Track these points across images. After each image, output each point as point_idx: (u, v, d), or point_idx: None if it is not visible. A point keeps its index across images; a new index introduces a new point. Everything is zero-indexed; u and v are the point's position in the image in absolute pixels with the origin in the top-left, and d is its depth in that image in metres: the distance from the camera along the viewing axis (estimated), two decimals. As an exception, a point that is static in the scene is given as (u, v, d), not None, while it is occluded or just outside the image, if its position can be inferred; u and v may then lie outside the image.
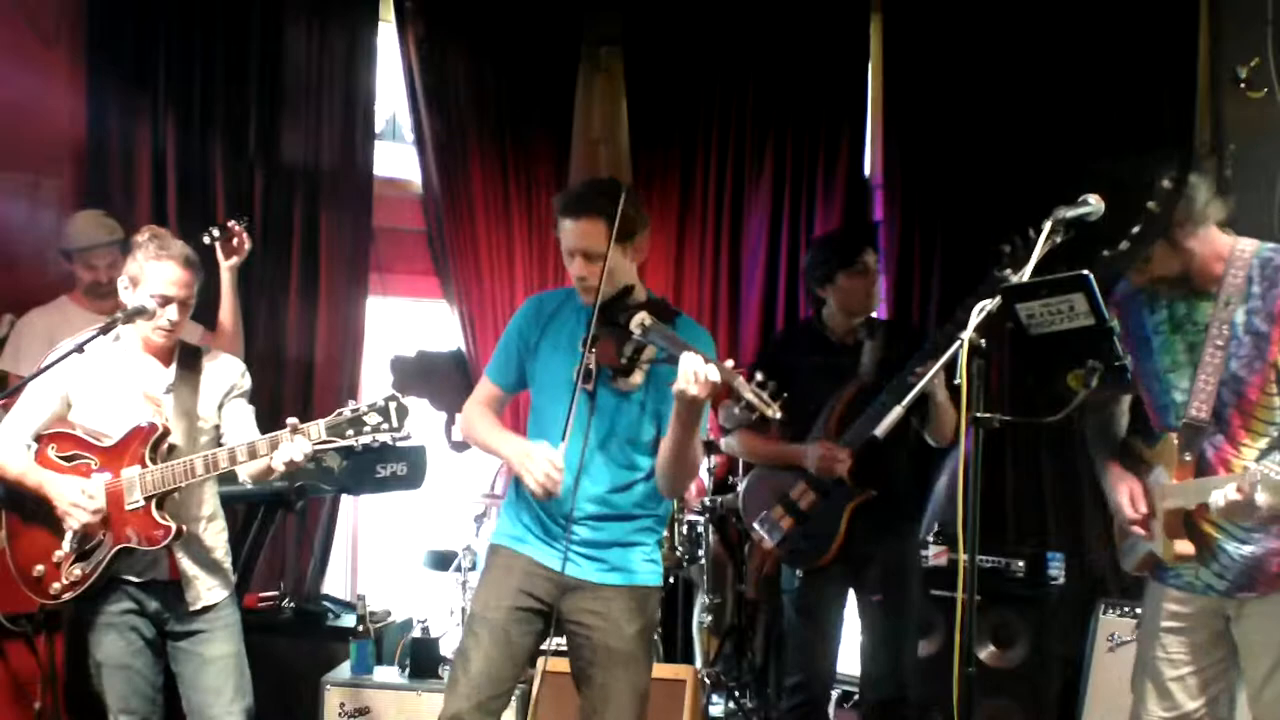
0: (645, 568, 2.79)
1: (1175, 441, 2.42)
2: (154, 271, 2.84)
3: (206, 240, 3.87)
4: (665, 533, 4.08)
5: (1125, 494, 2.54)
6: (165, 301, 2.85)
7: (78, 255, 3.82)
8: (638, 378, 2.67)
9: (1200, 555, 2.41)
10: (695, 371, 2.37)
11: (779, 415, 2.32)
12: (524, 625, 2.73)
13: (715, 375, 2.36)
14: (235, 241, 3.84)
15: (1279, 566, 2.37)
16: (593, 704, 2.73)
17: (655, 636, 4.06)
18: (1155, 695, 2.53)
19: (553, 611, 2.75)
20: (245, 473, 2.88)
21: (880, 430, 2.50)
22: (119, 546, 2.81)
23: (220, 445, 2.92)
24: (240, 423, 3.01)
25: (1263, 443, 2.35)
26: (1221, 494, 2.23)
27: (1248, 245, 2.41)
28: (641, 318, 2.59)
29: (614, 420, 2.71)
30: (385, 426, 2.68)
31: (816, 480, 3.43)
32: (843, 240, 3.74)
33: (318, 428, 2.72)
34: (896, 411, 2.42)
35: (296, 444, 2.70)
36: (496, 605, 2.74)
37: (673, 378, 2.44)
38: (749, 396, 2.31)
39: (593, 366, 2.66)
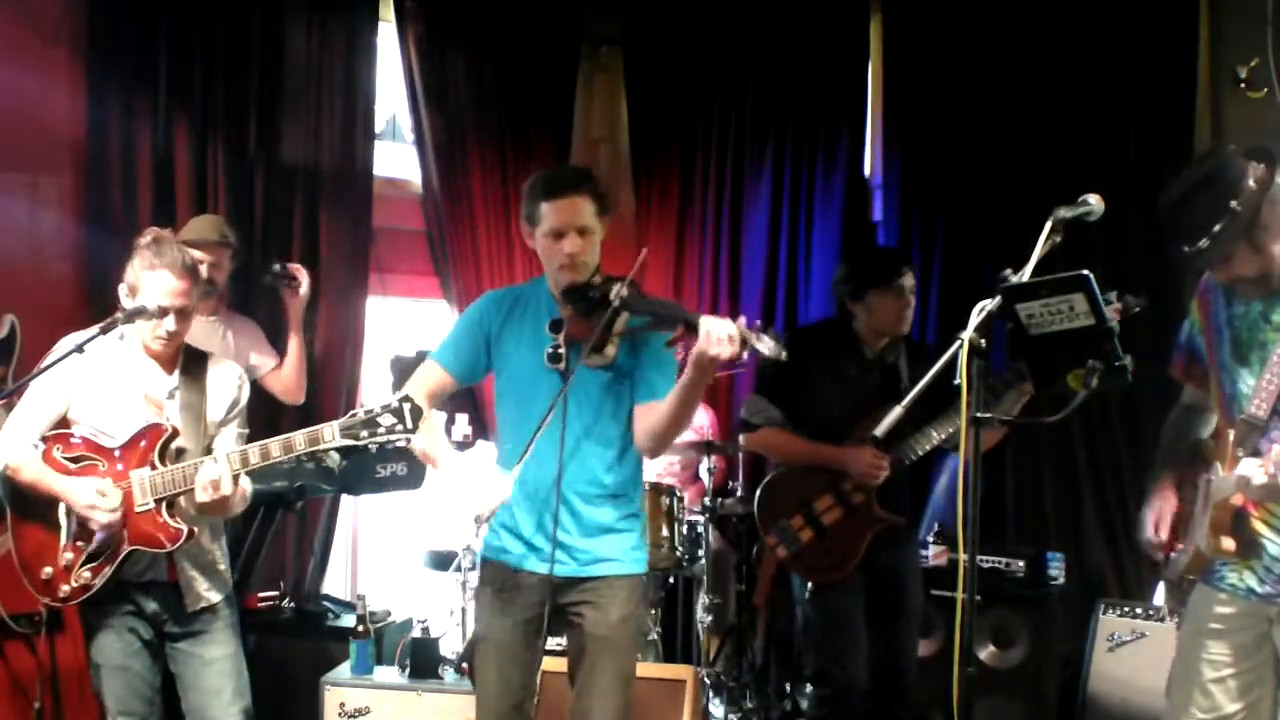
0: (631, 555, 2.78)
1: (1231, 436, 2.41)
2: (149, 282, 2.81)
3: (267, 279, 4.06)
4: (666, 531, 4.09)
5: (1154, 514, 2.57)
6: (163, 312, 2.82)
7: None
8: (611, 350, 2.64)
9: (1243, 551, 2.39)
10: (715, 331, 2.35)
11: (785, 356, 2.36)
12: (531, 636, 2.77)
13: (734, 330, 2.34)
14: (293, 283, 3.98)
15: None
16: (580, 689, 2.75)
17: (654, 635, 4.06)
18: (1195, 696, 2.51)
19: (552, 608, 2.74)
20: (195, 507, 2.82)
21: (880, 430, 2.50)
22: (130, 549, 2.80)
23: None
24: (228, 448, 2.93)
25: None
26: (1251, 464, 2.22)
27: None
28: (619, 288, 2.58)
29: (595, 400, 2.70)
30: (399, 428, 2.62)
31: (845, 497, 3.41)
32: (879, 258, 3.68)
33: (332, 429, 2.68)
34: (896, 411, 2.44)
35: (219, 466, 2.70)
36: (500, 626, 2.77)
37: (654, 342, 2.53)
38: (761, 345, 2.33)
39: (563, 349, 2.66)
